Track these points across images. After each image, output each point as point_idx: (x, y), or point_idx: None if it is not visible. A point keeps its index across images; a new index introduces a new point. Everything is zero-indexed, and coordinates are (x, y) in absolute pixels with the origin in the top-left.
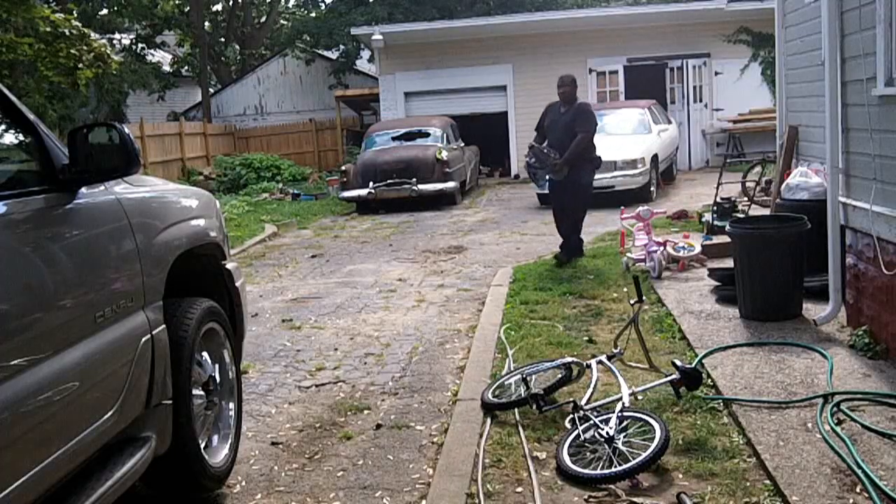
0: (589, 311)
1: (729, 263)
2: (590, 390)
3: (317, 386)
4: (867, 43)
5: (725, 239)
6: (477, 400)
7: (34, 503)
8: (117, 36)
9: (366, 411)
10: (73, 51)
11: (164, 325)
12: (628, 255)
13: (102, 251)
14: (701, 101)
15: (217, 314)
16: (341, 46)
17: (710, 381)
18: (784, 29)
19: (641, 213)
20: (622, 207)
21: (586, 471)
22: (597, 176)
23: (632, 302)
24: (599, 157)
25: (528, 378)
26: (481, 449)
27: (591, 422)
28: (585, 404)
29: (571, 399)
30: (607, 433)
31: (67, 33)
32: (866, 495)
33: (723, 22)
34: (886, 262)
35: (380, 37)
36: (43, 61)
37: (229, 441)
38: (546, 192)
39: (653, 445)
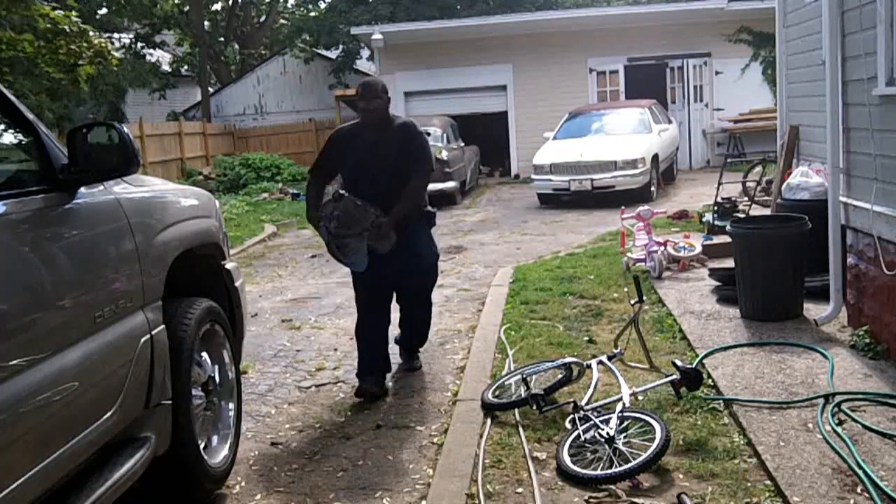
0: (589, 311)
1: (729, 263)
2: (590, 390)
3: (317, 386)
4: (868, 43)
5: (726, 239)
6: (477, 400)
7: (34, 503)
8: (117, 35)
9: (366, 411)
10: (73, 47)
11: (163, 326)
12: (628, 255)
13: (101, 251)
14: (701, 100)
15: (216, 314)
16: (341, 46)
17: (710, 381)
18: (785, 28)
19: (642, 213)
20: (622, 207)
21: (587, 471)
22: (598, 176)
23: (632, 302)
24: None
25: (529, 378)
26: (481, 449)
27: (592, 422)
28: (586, 404)
29: (572, 399)
30: (608, 433)
31: (67, 30)
32: (867, 496)
33: (723, 21)
34: (887, 262)
35: (380, 36)
36: (43, 58)
37: (229, 441)
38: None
39: (653, 446)
